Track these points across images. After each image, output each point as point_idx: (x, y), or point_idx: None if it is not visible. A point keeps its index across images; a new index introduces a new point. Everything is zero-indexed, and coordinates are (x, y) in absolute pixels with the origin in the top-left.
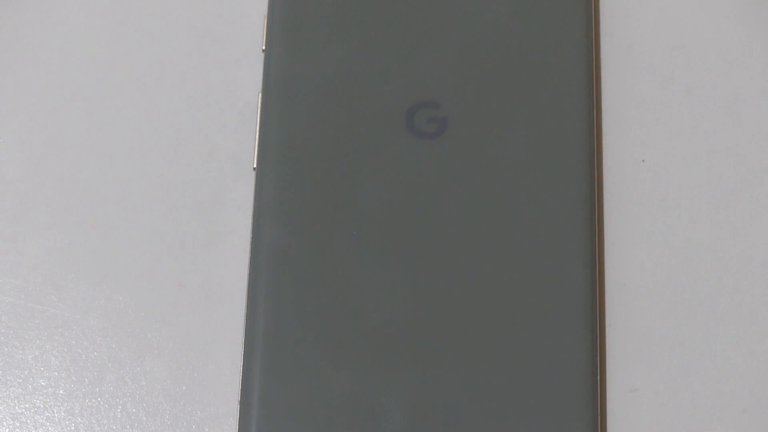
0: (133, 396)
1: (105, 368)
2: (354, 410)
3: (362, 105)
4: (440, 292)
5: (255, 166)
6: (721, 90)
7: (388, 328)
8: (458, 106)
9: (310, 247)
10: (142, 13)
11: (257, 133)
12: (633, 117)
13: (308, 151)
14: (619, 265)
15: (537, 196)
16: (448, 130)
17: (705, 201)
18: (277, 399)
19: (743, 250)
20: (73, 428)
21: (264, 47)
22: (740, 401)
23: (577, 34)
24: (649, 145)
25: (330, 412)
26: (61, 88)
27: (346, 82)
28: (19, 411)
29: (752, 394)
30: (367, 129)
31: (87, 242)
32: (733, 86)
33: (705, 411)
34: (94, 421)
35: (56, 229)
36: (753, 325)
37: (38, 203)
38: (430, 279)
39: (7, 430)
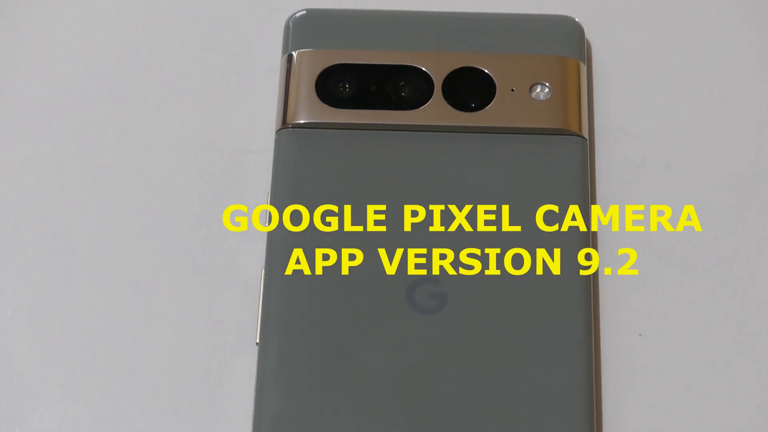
0: None
1: None
2: None
3: (363, 280)
4: None
5: (258, 340)
6: (714, 259)
7: None
8: (458, 282)
9: (311, 419)
10: (148, 191)
11: (260, 309)
12: (630, 290)
13: (309, 326)
14: None
15: (536, 372)
16: (447, 306)
17: (702, 372)
18: None
19: (741, 422)
20: None
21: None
22: None
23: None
24: (646, 318)
25: None
26: (66, 260)
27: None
28: None
29: None
30: (368, 304)
31: (92, 413)
32: (727, 254)
33: None
34: None
35: (61, 401)
36: None
37: (43, 375)
38: None
39: None
